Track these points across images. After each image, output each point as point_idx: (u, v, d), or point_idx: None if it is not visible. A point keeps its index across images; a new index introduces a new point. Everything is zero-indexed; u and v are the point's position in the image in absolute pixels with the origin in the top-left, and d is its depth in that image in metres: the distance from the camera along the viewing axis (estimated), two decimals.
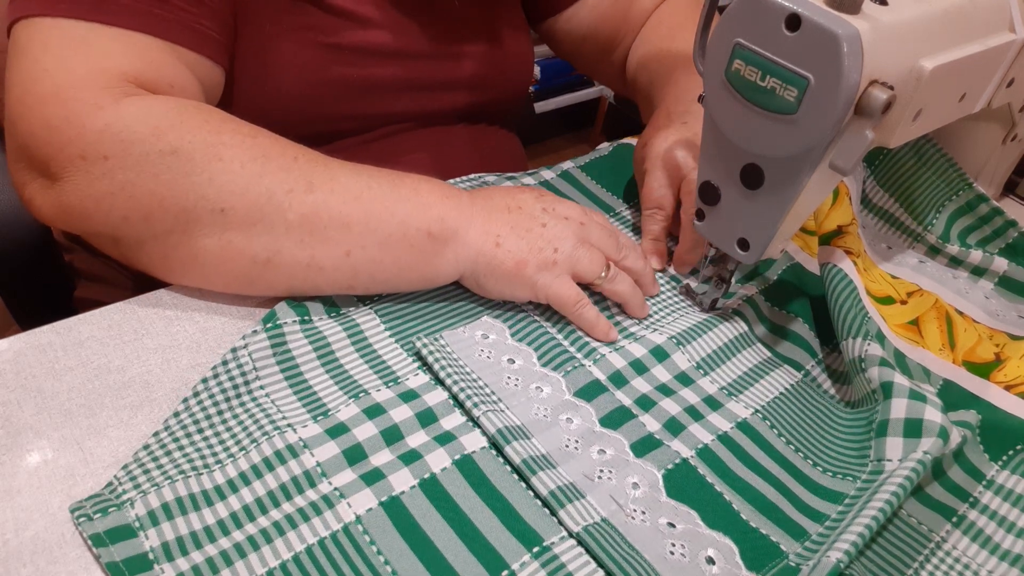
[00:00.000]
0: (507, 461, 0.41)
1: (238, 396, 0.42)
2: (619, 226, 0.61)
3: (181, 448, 0.39)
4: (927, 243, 0.62)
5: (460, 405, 0.44)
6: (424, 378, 0.45)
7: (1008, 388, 0.48)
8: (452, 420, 0.43)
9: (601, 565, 0.37)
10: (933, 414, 0.42)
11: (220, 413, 0.42)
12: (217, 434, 0.41)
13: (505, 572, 0.36)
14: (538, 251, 0.48)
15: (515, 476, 0.40)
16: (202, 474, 0.38)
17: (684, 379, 0.48)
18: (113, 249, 0.46)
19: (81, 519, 0.35)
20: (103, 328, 0.46)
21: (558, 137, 2.39)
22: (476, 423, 0.43)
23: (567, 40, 0.78)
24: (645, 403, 0.46)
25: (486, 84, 0.69)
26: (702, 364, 0.49)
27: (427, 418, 0.43)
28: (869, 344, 0.46)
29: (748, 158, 0.44)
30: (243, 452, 0.40)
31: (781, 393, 0.49)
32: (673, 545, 0.38)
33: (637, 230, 0.60)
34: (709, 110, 0.44)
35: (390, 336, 0.48)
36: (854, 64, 0.37)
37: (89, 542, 0.35)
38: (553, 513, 0.39)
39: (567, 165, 0.65)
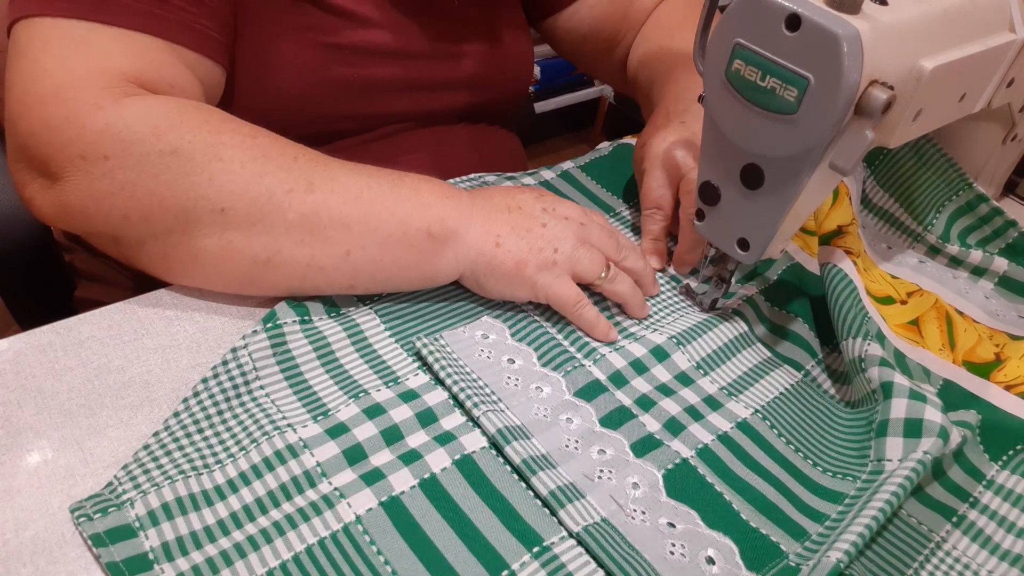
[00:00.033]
0: (507, 461, 0.41)
1: (238, 396, 0.42)
2: (619, 226, 0.61)
3: (181, 448, 0.39)
4: (927, 243, 0.62)
5: (460, 405, 0.44)
6: (424, 378, 0.45)
7: (1008, 388, 0.48)
8: (452, 420, 0.43)
9: (601, 565, 0.37)
10: (933, 414, 0.42)
11: (220, 413, 0.42)
12: (217, 434, 0.41)
13: (505, 572, 0.36)
14: (538, 251, 0.48)
15: (515, 476, 0.40)
16: (202, 474, 0.38)
17: (684, 379, 0.48)
18: (113, 249, 0.46)
19: (81, 519, 0.35)
20: (103, 328, 0.46)
21: (558, 137, 2.39)
22: (476, 423, 0.43)
23: (568, 39, 0.78)
24: (645, 403, 0.46)
25: (486, 84, 0.69)
26: (702, 364, 0.49)
27: (427, 418, 0.43)
28: (869, 344, 0.46)
29: (748, 158, 0.44)
30: (243, 452, 0.40)
31: (781, 393, 0.49)
32: (673, 545, 0.38)
33: (637, 230, 0.60)
34: (709, 110, 0.44)
35: (390, 336, 0.48)
36: (854, 64, 0.37)
37: (89, 542, 0.35)
38: (553, 513, 0.39)
39: (567, 165, 0.65)
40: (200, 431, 0.41)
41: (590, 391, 0.46)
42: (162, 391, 0.43)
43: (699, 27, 0.46)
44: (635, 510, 0.40)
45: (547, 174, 0.64)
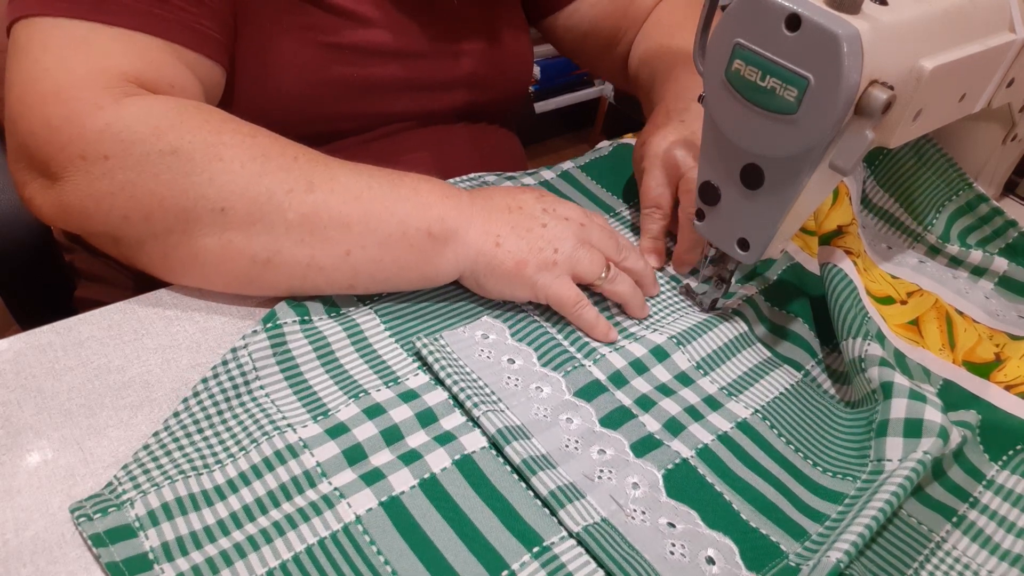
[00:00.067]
0: (507, 461, 0.41)
1: (238, 396, 0.42)
2: (619, 226, 0.61)
3: (181, 448, 0.39)
4: (927, 243, 0.62)
5: (460, 405, 0.44)
6: (424, 378, 0.45)
7: (1008, 388, 0.48)
8: (452, 420, 0.43)
9: (601, 565, 0.37)
10: (933, 414, 0.42)
11: (220, 413, 0.42)
12: (217, 434, 0.41)
13: (505, 572, 0.36)
14: (538, 251, 0.48)
15: (515, 476, 0.40)
16: (202, 474, 0.38)
17: (684, 379, 0.48)
18: (113, 249, 0.46)
19: (81, 519, 0.35)
20: (103, 328, 0.46)
21: (558, 137, 2.39)
22: (476, 423, 0.43)
23: (569, 37, 0.78)
24: (645, 403, 0.46)
25: (486, 83, 0.69)
26: (702, 364, 0.49)
27: (427, 418, 0.43)
28: (869, 344, 0.46)
29: (748, 158, 0.44)
30: (243, 452, 0.40)
31: (781, 393, 0.49)
32: (673, 545, 0.38)
33: (637, 230, 0.60)
34: (709, 110, 0.44)
35: (390, 336, 0.48)
36: (854, 64, 0.37)
37: (89, 542, 0.35)
38: (553, 513, 0.39)
39: (567, 165, 0.65)
40: (200, 431, 0.41)
41: (590, 391, 0.46)
42: (162, 391, 0.43)
43: (699, 27, 0.46)
44: (635, 510, 0.40)
45: (547, 174, 0.64)
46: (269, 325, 0.45)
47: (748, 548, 0.39)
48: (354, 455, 0.40)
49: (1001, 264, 0.59)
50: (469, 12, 0.66)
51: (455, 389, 0.43)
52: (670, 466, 0.42)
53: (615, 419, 0.44)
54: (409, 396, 0.44)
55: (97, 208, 0.43)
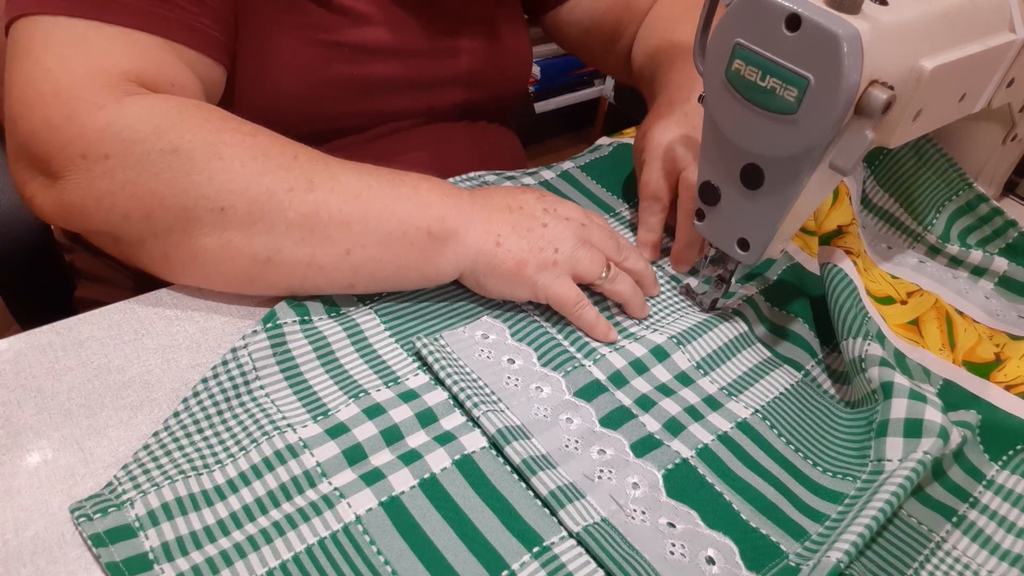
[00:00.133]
0: (507, 461, 0.41)
1: (238, 396, 0.42)
2: (618, 226, 0.61)
3: (181, 448, 0.39)
4: (927, 243, 0.62)
5: (460, 405, 0.44)
6: (424, 378, 0.45)
7: (1008, 388, 0.48)
8: (452, 420, 0.43)
9: (601, 565, 0.37)
10: (933, 414, 0.42)
11: (220, 413, 0.42)
12: (217, 434, 0.41)
13: (505, 572, 0.36)
14: (538, 251, 0.48)
15: (515, 476, 0.40)
16: (202, 474, 0.38)
17: (684, 379, 0.48)
18: (114, 248, 0.46)
19: (81, 519, 0.35)
20: (103, 328, 0.45)
21: (558, 137, 2.39)
22: (476, 423, 0.43)
23: (571, 32, 0.78)
24: (645, 403, 0.46)
25: (485, 81, 0.69)
26: (702, 364, 0.49)
27: (427, 418, 0.43)
28: (869, 344, 0.46)
29: (748, 158, 0.44)
30: (243, 452, 0.40)
31: (781, 393, 0.49)
32: (673, 545, 0.38)
33: (637, 230, 0.60)
34: (709, 110, 0.44)
35: (390, 336, 0.48)
36: (854, 64, 0.37)
37: (89, 542, 0.35)
38: (553, 513, 0.39)
39: (567, 165, 0.65)
40: (200, 431, 0.41)
41: (590, 391, 0.46)
42: (162, 391, 0.43)
43: (699, 27, 0.46)
44: (635, 510, 0.40)
45: (547, 174, 0.64)
46: (269, 325, 0.45)
47: (748, 548, 0.39)
48: (354, 455, 0.40)
49: (1001, 264, 0.59)
50: (468, 10, 0.66)
51: (455, 389, 0.43)
52: (670, 466, 0.42)
53: (615, 419, 0.44)
54: (409, 396, 0.44)
55: (98, 207, 0.43)
